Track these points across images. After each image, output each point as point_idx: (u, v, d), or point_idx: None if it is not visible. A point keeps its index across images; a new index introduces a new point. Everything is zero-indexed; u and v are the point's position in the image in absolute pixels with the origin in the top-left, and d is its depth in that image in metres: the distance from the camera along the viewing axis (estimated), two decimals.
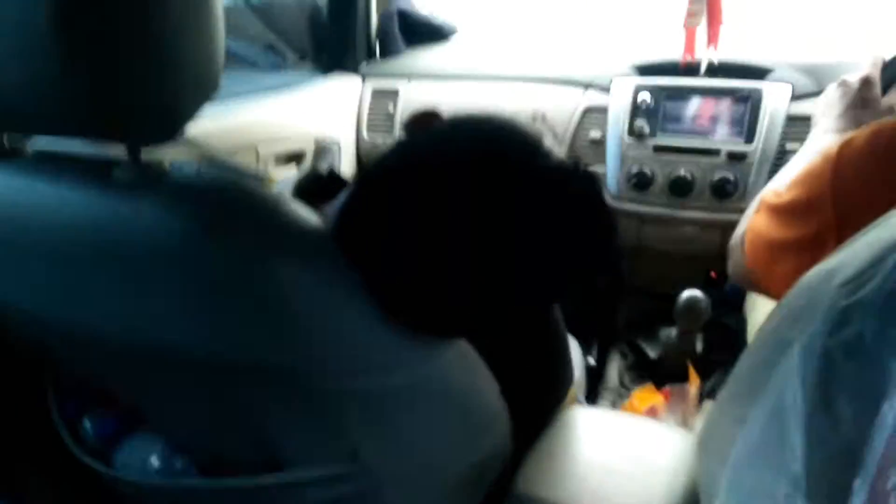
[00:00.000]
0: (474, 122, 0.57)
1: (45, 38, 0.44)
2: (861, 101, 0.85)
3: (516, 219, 0.52)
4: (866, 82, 0.86)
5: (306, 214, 0.54)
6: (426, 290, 0.53)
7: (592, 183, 0.56)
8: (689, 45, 1.28)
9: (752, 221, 0.76)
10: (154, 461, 0.64)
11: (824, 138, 0.84)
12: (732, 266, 0.83)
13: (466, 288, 0.53)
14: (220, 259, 0.50)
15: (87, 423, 0.66)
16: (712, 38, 1.23)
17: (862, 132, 0.65)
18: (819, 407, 0.39)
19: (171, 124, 0.52)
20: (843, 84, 0.88)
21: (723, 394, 0.55)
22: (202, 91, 0.52)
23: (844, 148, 0.65)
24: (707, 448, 0.57)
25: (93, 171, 0.55)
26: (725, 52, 1.37)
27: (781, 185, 0.76)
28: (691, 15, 1.23)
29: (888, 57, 0.89)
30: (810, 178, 0.68)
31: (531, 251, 0.53)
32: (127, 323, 0.54)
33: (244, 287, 0.50)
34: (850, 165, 0.64)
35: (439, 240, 0.52)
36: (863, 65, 0.88)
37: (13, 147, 0.58)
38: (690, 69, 1.36)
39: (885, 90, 0.87)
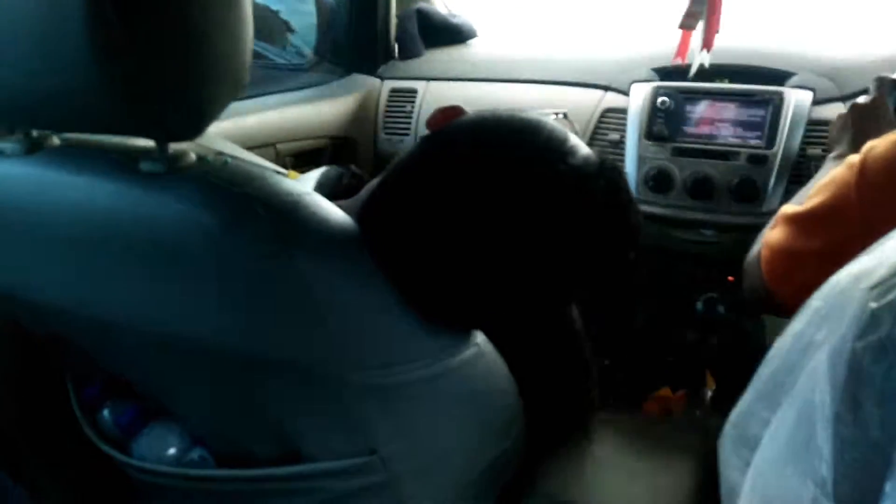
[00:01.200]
0: (499, 118, 0.57)
1: (77, 38, 0.45)
2: (875, 122, 0.85)
3: (542, 212, 0.52)
4: (879, 104, 0.86)
5: (330, 208, 0.54)
6: (450, 277, 0.54)
7: (618, 177, 0.56)
8: (682, 48, 1.26)
9: (769, 237, 0.76)
10: (171, 451, 0.64)
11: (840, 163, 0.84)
12: (748, 286, 0.82)
13: (491, 276, 0.54)
14: (244, 252, 0.50)
15: (106, 412, 0.67)
16: (708, 42, 1.21)
17: (884, 139, 0.65)
18: (847, 409, 0.39)
19: (199, 122, 0.53)
20: (856, 107, 0.88)
21: (747, 396, 0.55)
22: (230, 88, 0.53)
23: (869, 153, 0.64)
24: (730, 450, 0.57)
25: (120, 163, 0.55)
26: (745, 55, 1.36)
27: (800, 199, 0.76)
28: (689, 16, 1.21)
29: (894, 75, 0.90)
30: (834, 185, 0.68)
31: (557, 244, 0.53)
32: (150, 314, 0.55)
33: (267, 280, 0.50)
34: (876, 169, 0.64)
35: (464, 232, 0.52)
36: (870, 88, 0.90)
37: (41, 138, 0.59)
38: (701, 73, 1.34)
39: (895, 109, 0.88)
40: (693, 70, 1.28)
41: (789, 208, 0.73)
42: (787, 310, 0.71)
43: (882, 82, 0.90)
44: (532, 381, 0.68)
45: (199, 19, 0.48)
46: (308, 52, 1.73)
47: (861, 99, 0.89)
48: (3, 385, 0.61)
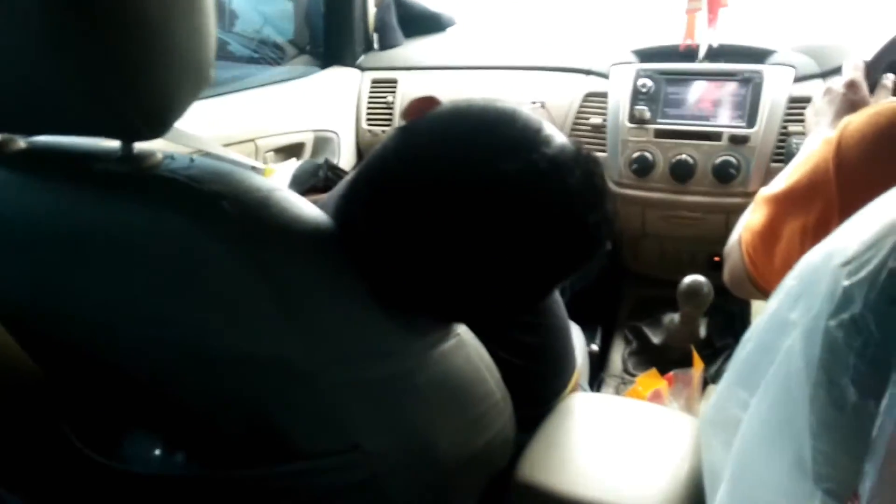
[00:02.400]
0: (473, 109, 0.56)
1: (36, 40, 0.44)
2: (850, 105, 0.85)
3: (517, 203, 0.51)
4: (851, 86, 0.86)
5: (299, 203, 0.53)
6: (426, 271, 0.53)
7: (594, 166, 0.56)
8: (690, 30, 1.27)
9: (749, 220, 0.76)
10: (157, 453, 0.64)
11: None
12: (729, 272, 0.82)
13: (466, 270, 0.53)
14: (212, 251, 0.50)
15: (90, 417, 0.66)
16: (712, 21, 1.22)
17: (860, 114, 0.65)
18: (823, 389, 0.39)
19: (162, 119, 0.52)
20: (829, 91, 0.88)
21: (725, 378, 0.55)
22: (193, 86, 0.52)
23: (845, 129, 0.64)
24: (710, 433, 0.57)
25: (85, 165, 0.55)
26: (727, 35, 1.37)
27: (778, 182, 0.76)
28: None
29: (868, 58, 0.90)
30: (812, 163, 0.67)
31: (532, 234, 0.53)
32: (122, 317, 0.54)
33: (236, 278, 0.50)
34: (852, 147, 0.63)
35: (438, 225, 0.51)
36: (845, 69, 0.89)
37: (5, 141, 0.58)
38: (690, 53, 1.35)
39: (871, 90, 0.87)
40: (702, 52, 1.27)
41: (767, 190, 0.73)
42: (769, 293, 0.71)
43: (857, 62, 0.90)
44: (514, 369, 0.68)
45: (156, 10, 0.46)
46: (280, 40, 1.72)
47: (835, 80, 0.89)
48: None
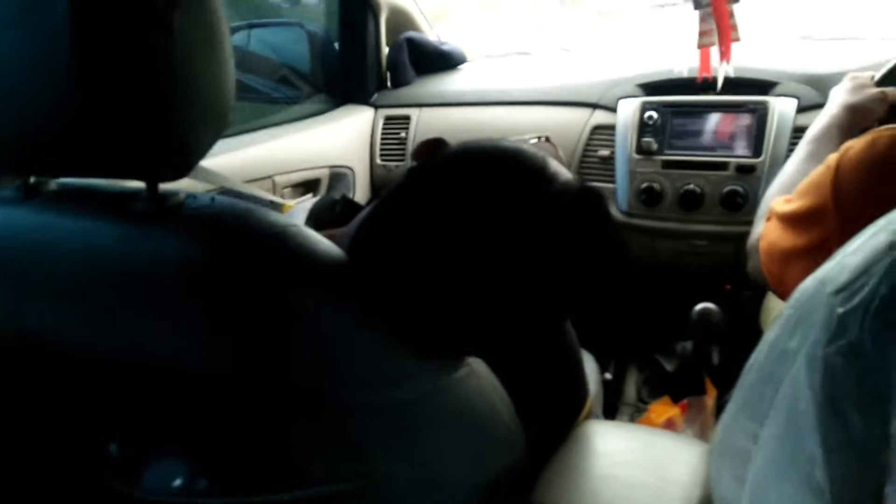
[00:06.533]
0: (480, 149, 0.59)
1: (64, 86, 0.47)
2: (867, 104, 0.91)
3: (525, 238, 0.53)
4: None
5: (314, 238, 0.56)
6: (439, 307, 0.55)
7: (598, 200, 0.58)
8: (705, 65, 1.29)
9: (765, 229, 0.79)
10: (178, 481, 0.65)
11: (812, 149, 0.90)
12: (751, 267, 0.85)
13: (477, 308, 0.55)
14: (231, 286, 0.52)
15: (114, 447, 0.68)
16: (725, 55, 1.25)
17: (859, 140, 0.66)
18: (829, 415, 0.39)
19: (185, 159, 0.55)
20: (856, 79, 0.96)
21: (729, 408, 0.56)
22: (215, 126, 0.55)
23: (843, 156, 0.66)
24: (719, 464, 0.57)
25: (113, 205, 0.57)
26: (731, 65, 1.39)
27: (788, 189, 0.78)
28: (703, 35, 1.25)
29: (877, 76, 0.97)
30: (813, 188, 0.70)
31: (541, 269, 0.54)
32: (150, 352, 0.56)
33: (254, 312, 0.52)
34: (849, 173, 0.65)
35: (451, 259, 0.53)
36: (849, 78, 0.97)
37: (38, 183, 0.61)
38: (696, 85, 1.37)
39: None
40: (719, 83, 1.30)
41: (779, 205, 0.76)
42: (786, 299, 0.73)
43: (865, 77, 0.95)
44: (527, 398, 0.69)
45: (177, 59, 0.49)
46: (297, 80, 1.76)
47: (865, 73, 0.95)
48: (12, 420, 0.63)
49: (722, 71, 1.26)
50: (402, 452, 0.58)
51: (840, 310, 0.40)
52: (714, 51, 1.27)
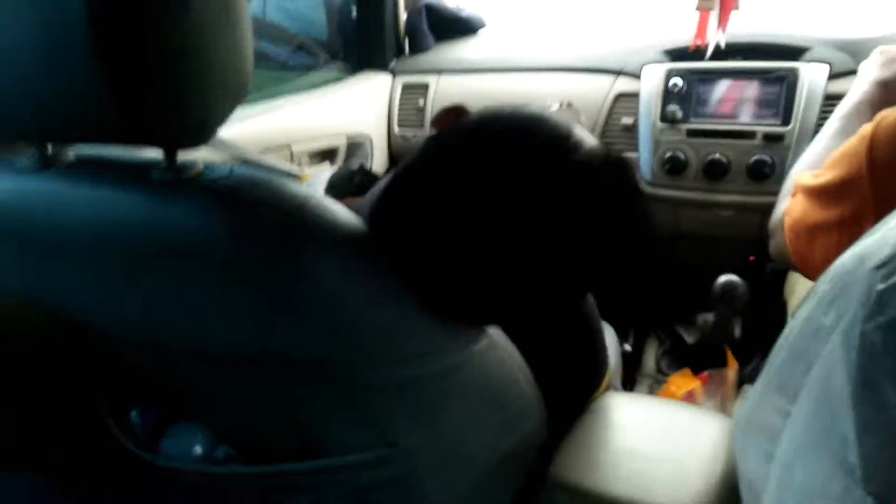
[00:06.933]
0: (502, 116, 0.57)
1: (82, 52, 0.46)
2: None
3: (548, 209, 0.52)
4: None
5: (334, 208, 0.55)
6: (460, 279, 0.54)
7: (624, 169, 0.56)
8: (701, 29, 1.25)
9: (790, 205, 0.76)
10: (197, 450, 0.66)
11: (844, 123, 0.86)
12: (774, 246, 0.83)
13: (500, 277, 0.54)
14: (251, 257, 0.51)
15: (134, 413, 0.69)
16: (722, 23, 1.20)
17: (894, 110, 0.64)
18: (865, 393, 0.38)
19: (204, 129, 0.54)
20: (886, 52, 0.91)
21: (759, 383, 0.55)
22: (233, 96, 0.54)
23: (878, 126, 0.64)
24: (745, 439, 0.56)
25: (132, 175, 0.57)
26: (760, 31, 1.35)
27: (815, 166, 0.76)
28: None
29: None
30: (847, 158, 0.67)
31: (564, 240, 0.53)
32: (168, 320, 0.56)
33: (279, 283, 0.52)
34: (886, 142, 0.63)
35: (472, 230, 0.52)
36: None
37: (56, 153, 0.61)
38: (700, 53, 1.33)
39: None
40: (709, 51, 1.27)
41: (806, 178, 0.74)
42: (812, 277, 0.72)
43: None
44: (546, 369, 0.69)
45: (197, 28, 0.49)
46: (314, 46, 1.74)
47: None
48: (37, 387, 0.63)
49: (715, 39, 1.22)
50: (423, 424, 0.58)
51: (881, 286, 0.39)
52: (713, 17, 1.23)
